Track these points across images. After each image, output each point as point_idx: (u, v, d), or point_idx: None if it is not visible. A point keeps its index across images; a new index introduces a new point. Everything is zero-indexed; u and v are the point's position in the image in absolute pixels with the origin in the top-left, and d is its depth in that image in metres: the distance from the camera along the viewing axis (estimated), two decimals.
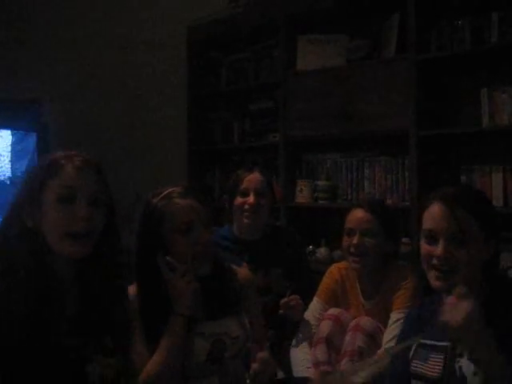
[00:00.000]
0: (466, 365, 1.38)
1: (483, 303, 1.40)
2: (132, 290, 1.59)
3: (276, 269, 2.36)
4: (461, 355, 1.41)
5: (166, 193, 1.58)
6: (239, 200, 2.35)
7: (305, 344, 2.12)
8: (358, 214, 2.10)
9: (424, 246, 1.45)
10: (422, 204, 1.49)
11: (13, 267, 1.24)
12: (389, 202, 3.14)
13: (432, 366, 1.45)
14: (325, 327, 2.05)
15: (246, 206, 2.33)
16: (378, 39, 3.22)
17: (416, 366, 1.48)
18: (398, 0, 3.01)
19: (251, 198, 2.32)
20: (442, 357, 1.43)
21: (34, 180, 1.31)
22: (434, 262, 1.41)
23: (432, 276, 1.43)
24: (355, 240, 2.07)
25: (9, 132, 3.97)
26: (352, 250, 2.08)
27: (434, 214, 1.43)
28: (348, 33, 3.35)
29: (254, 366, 1.46)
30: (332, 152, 3.48)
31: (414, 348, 1.50)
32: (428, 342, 1.48)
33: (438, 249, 1.39)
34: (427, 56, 2.94)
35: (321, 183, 3.42)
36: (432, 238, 1.42)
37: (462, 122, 2.96)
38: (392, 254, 2.14)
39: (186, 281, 1.51)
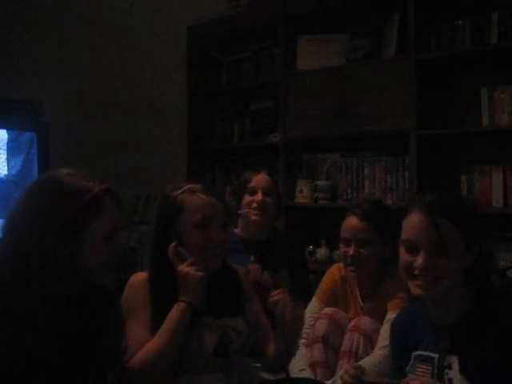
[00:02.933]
0: (457, 379, 1.37)
1: (468, 310, 1.39)
2: (140, 276, 1.62)
3: (283, 269, 2.37)
4: (449, 367, 1.39)
5: (187, 187, 1.62)
6: (247, 198, 2.39)
7: (301, 344, 2.11)
8: (352, 222, 2.06)
9: (404, 256, 1.42)
10: (403, 212, 1.46)
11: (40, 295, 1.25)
12: (389, 202, 3.14)
13: (420, 377, 1.43)
14: (321, 326, 2.04)
15: (254, 204, 2.36)
16: (377, 39, 3.22)
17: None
18: (398, 0, 3.01)
19: (259, 196, 2.37)
20: (430, 368, 1.41)
21: (71, 214, 1.31)
22: (416, 272, 1.38)
23: (412, 285, 1.41)
24: (351, 251, 2.03)
25: (4, 130, 3.97)
26: (349, 260, 2.06)
27: (413, 223, 1.41)
28: (348, 33, 3.35)
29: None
30: (332, 152, 3.48)
31: (410, 363, 1.48)
32: (418, 353, 1.47)
33: (419, 260, 1.37)
34: (427, 56, 2.94)
35: (321, 183, 3.41)
36: (412, 248, 1.39)
37: (462, 122, 2.96)
38: (391, 257, 2.12)
39: (194, 270, 1.53)
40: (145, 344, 1.50)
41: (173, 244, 1.56)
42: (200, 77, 3.98)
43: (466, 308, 1.39)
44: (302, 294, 2.24)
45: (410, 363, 1.48)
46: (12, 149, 3.96)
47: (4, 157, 3.95)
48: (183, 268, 1.53)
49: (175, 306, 1.52)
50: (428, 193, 1.45)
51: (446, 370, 1.39)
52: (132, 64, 4.42)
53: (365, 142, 3.34)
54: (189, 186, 1.62)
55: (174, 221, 1.58)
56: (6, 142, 3.95)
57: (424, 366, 1.43)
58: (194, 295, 1.53)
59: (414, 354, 1.48)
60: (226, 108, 4.02)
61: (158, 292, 1.57)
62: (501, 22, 2.74)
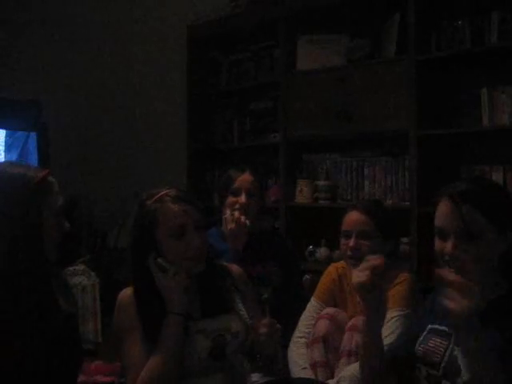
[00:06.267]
0: (460, 357, 1.39)
1: (501, 297, 1.40)
2: (126, 293, 1.60)
3: (271, 261, 2.38)
4: (457, 344, 1.40)
5: (159, 196, 1.59)
6: (231, 199, 2.37)
7: (301, 344, 2.12)
8: (353, 216, 2.10)
9: (437, 243, 1.47)
10: (434, 201, 1.50)
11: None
12: (389, 202, 3.14)
13: (432, 349, 1.47)
14: (321, 327, 2.05)
15: (237, 206, 2.35)
16: (378, 39, 3.22)
17: (420, 350, 1.51)
18: (398, 0, 3.01)
19: (243, 198, 2.35)
20: (445, 343, 1.45)
21: (26, 200, 1.50)
22: (446, 258, 1.42)
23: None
24: (352, 243, 2.07)
25: (4, 130, 3.97)
26: (349, 253, 2.08)
27: (441, 211, 1.45)
28: (348, 33, 3.35)
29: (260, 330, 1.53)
30: (332, 152, 3.48)
31: (424, 334, 1.52)
32: (434, 326, 1.51)
33: (448, 246, 1.41)
34: (427, 56, 2.94)
35: (321, 183, 3.41)
36: (442, 235, 1.44)
37: (462, 122, 2.96)
38: (391, 254, 2.14)
39: (176, 279, 1.52)
40: (145, 363, 1.49)
41: (151, 257, 1.54)
42: (200, 77, 3.98)
43: (497, 294, 1.41)
44: (293, 286, 2.26)
45: (424, 334, 1.51)
46: (8, 144, 3.97)
47: (3, 155, 3.97)
48: (164, 280, 1.52)
49: (166, 318, 1.51)
50: (459, 181, 1.50)
51: (454, 347, 1.41)
52: (132, 64, 4.42)
53: (365, 142, 3.34)
54: (160, 195, 1.59)
55: (150, 233, 1.56)
56: (3, 139, 3.96)
57: (439, 340, 1.47)
58: (181, 304, 1.52)
59: (431, 326, 1.51)
60: (226, 108, 4.02)
61: (146, 307, 1.55)
62: (501, 22, 2.74)
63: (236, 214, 2.28)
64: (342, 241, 2.12)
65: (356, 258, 2.06)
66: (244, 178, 2.39)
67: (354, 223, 2.09)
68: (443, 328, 1.48)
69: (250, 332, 1.61)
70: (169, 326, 1.50)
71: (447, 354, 1.43)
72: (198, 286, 1.62)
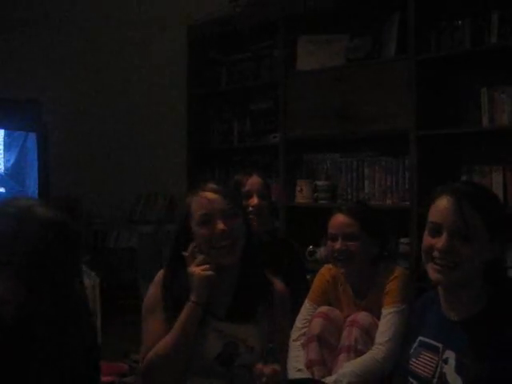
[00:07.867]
0: (451, 376, 1.38)
1: (480, 311, 1.39)
2: (160, 275, 1.66)
3: (278, 276, 2.36)
4: (445, 361, 1.40)
5: (194, 190, 1.67)
6: (243, 202, 2.36)
7: (296, 346, 2.12)
8: (338, 219, 2.13)
9: (426, 238, 1.43)
10: (430, 197, 1.48)
11: None
12: (389, 202, 3.14)
13: (423, 364, 1.45)
14: (316, 325, 2.06)
15: (250, 208, 2.34)
16: (378, 39, 3.22)
17: (412, 364, 1.49)
18: (398, 0, 3.01)
19: (255, 200, 2.34)
20: (435, 358, 1.43)
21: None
22: (435, 254, 1.39)
23: (431, 269, 1.41)
24: (338, 245, 2.10)
25: (3, 130, 3.97)
26: (336, 255, 2.11)
27: (440, 206, 1.42)
28: (348, 33, 3.35)
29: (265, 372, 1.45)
30: (332, 152, 3.48)
31: (414, 346, 1.50)
32: (424, 339, 1.49)
33: (441, 241, 1.38)
34: (427, 56, 2.94)
35: (321, 183, 3.41)
36: (435, 231, 1.41)
37: (462, 122, 2.96)
38: (380, 254, 2.16)
39: (201, 269, 1.55)
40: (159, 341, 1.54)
41: (192, 244, 1.59)
42: (200, 77, 3.98)
43: (479, 308, 1.39)
44: (298, 302, 2.25)
45: (414, 346, 1.50)
46: (7, 144, 3.97)
47: (2, 154, 3.97)
48: (191, 268, 1.56)
49: (186, 306, 1.55)
50: (458, 182, 1.49)
51: (443, 364, 1.40)
52: (132, 64, 4.42)
53: (365, 142, 3.34)
54: (196, 188, 1.66)
55: (185, 223, 1.63)
56: (2, 138, 3.96)
57: (429, 355, 1.45)
58: (201, 295, 1.55)
59: (421, 338, 1.50)
60: (225, 108, 4.02)
61: (169, 291, 1.60)
62: (501, 22, 2.74)
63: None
64: (329, 243, 2.16)
65: (343, 260, 2.09)
66: (253, 181, 2.39)
67: (340, 226, 2.12)
68: (433, 342, 1.45)
69: (264, 351, 1.55)
70: (184, 313, 1.54)
71: (438, 370, 1.41)
72: (232, 286, 1.62)
